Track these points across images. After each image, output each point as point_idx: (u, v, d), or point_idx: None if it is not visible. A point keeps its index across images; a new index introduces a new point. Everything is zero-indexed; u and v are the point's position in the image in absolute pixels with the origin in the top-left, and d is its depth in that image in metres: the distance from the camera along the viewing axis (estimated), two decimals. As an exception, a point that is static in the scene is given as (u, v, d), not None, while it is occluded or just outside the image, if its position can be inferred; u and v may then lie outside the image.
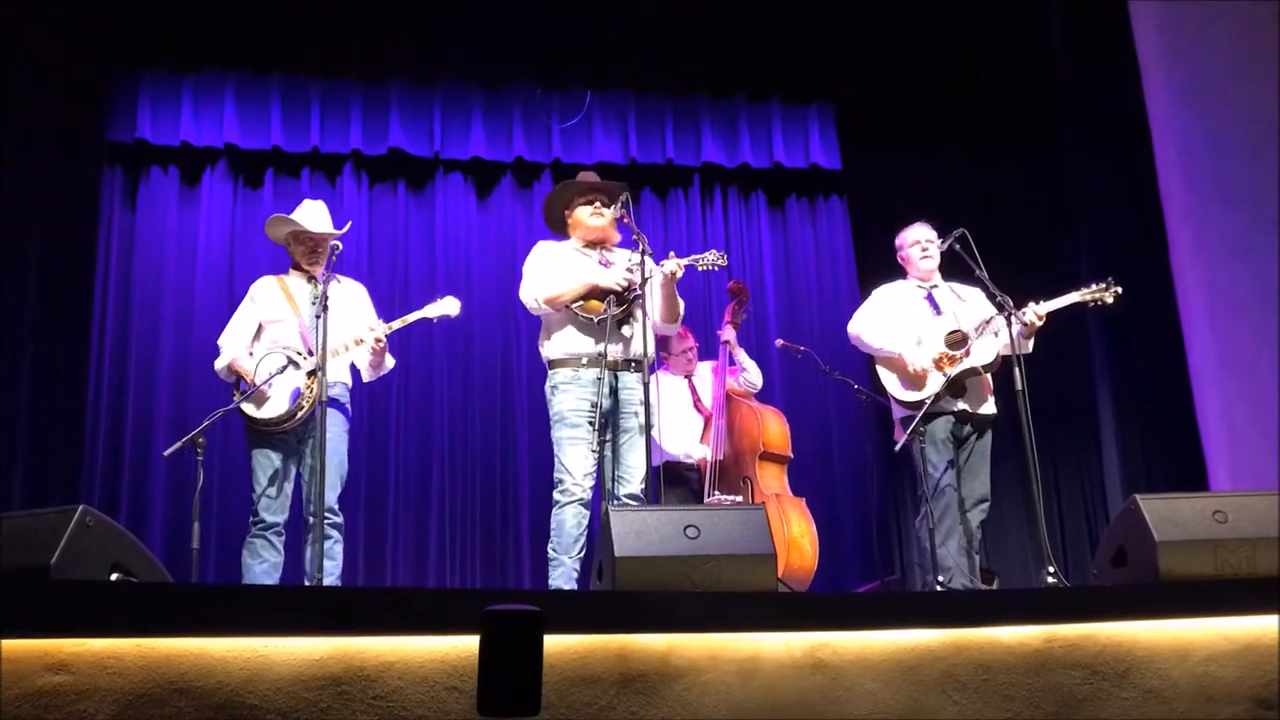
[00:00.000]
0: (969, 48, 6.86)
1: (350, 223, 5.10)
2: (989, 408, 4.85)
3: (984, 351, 4.72)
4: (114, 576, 3.14)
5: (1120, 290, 4.60)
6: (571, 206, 4.75)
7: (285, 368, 4.51)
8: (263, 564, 4.48)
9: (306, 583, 4.36)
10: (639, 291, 4.36)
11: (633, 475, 4.40)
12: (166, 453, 4.55)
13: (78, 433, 5.99)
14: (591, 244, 4.68)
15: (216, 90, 6.63)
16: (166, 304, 6.46)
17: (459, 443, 6.58)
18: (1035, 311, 4.61)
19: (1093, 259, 6.56)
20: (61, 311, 6.03)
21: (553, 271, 4.57)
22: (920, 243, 5.02)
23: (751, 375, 5.80)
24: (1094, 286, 4.62)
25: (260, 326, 4.74)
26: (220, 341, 4.80)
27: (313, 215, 4.83)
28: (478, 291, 6.69)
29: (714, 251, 4.59)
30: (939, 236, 4.93)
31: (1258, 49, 5.75)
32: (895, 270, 5.17)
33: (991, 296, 4.63)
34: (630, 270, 4.43)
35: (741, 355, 5.81)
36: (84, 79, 6.21)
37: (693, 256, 4.57)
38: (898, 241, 5.14)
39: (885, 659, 3.11)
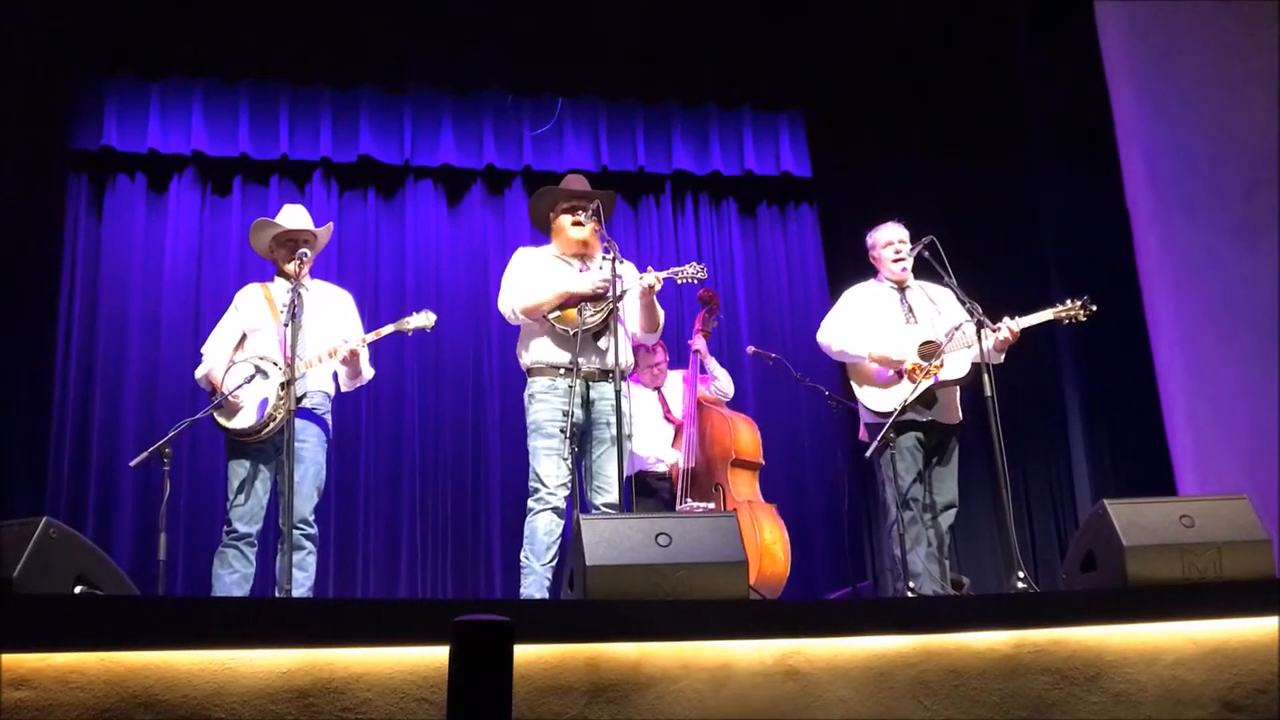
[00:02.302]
0: (939, 57, 6.90)
1: (332, 223, 5.08)
2: (957, 415, 4.87)
3: (958, 365, 4.71)
4: (78, 589, 3.10)
5: (1095, 309, 4.62)
6: (555, 212, 4.73)
7: (252, 377, 4.48)
8: (233, 574, 4.44)
9: (276, 593, 4.32)
10: (614, 303, 4.35)
11: (610, 485, 4.40)
12: (133, 463, 4.52)
13: (42, 443, 5.92)
14: (571, 254, 4.67)
15: (184, 97, 6.58)
16: (133, 313, 6.40)
17: (430, 451, 6.55)
18: (1010, 327, 4.62)
19: (1061, 266, 6.62)
20: (26, 321, 5.95)
21: (531, 281, 4.56)
22: (893, 244, 4.99)
23: (723, 384, 5.81)
24: (1069, 304, 4.63)
25: (244, 335, 4.71)
26: (204, 350, 4.79)
27: (292, 216, 4.82)
28: (448, 299, 6.67)
29: (693, 264, 4.57)
30: (910, 240, 4.93)
31: (1223, 58, 5.82)
32: (868, 270, 5.15)
33: (961, 303, 4.64)
34: (606, 277, 4.41)
35: (712, 364, 5.82)
36: (49, 85, 6.14)
37: (672, 270, 4.56)
38: (869, 241, 5.11)
39: (856, 665, 3.12)
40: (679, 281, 4.56)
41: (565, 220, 4.67)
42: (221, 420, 4.52)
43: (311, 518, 4.54)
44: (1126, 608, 3.37)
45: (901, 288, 5.01)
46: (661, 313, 4.69)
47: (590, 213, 4.58)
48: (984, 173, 6.93)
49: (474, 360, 6.74)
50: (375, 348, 4.75)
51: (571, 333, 4.38)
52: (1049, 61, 6.81)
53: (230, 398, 4.46)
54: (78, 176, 6.47)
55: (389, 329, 4.71)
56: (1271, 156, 5.49)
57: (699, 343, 5.78)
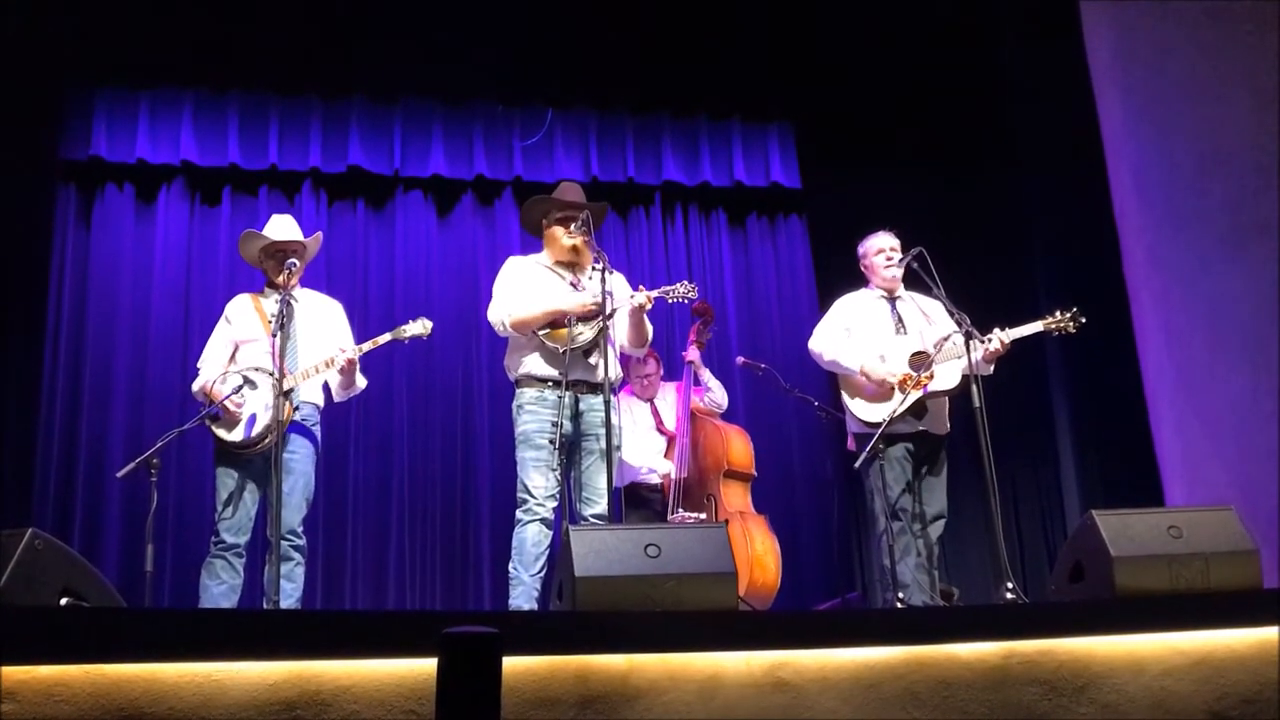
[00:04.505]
0: (927, 69, 6.93)
1: (320, 232, 5.08)
2: (945, 426, 4.88)
3: (948, 375, 4.73)
4: (64, 601, 3.08)
5: (1084, 320, 4.66)
6: (549, 220, 4.74)
7: (240, 388, 4.47)
8: (221, 585, 4.43)
9: (264, 605, 4.30)
10: (605, 321, 4.35)
11: (599, 498, 4.41)
12: (120, 474, 4.49)
13: (29, 453, 5.89)
14: (563, 263, 4.67)
15: (173, 107, 6.57)
16: (121, 324, 6.37)
17: (419, 463, 6.53)
18: (1000, 338, 4.64)
19: (1049, 277, 6.64)
20: (13, 331, 5.94)
21: (522, 293, 4.56)
22: (885, 251, 5.01)
23: (717, 395, 5.82)
24: (1058, 315, 4.68)
25: (236, 346, 4.70)
26: (199, 364, 4.77)
27: (280, 227, 4.81)
28: (438, 310, 6.63)
29: (684, 284, 4.59)
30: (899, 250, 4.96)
31: (1211, 69, 5.84)
32: (859, 280, 5.17)
33: (950, 314, 4.65)
34: (598, 296, 4.40)
35: (707, 375, 5.83)
36: (37, 95, 6.13)
37: (662, 289, 4.57)
38: (860, 250, 5.13)
39: (845, 677, 3.11)
40: (670, 300, 4.58)
41: (558, 230, 4.68)
42: (221, 433, 4.50)
43: (300, 529, 4.53)
44: (1115, 618, 3.37)
45: (892, 297, 5.03)
46: (650, 328, 4.71)
47: (580, 223, 4.58)
48: (972, 184, 6.95)
49: (463, 371, 6.73)
50: (364, 358, 4.74)
51: (561, 350, 4.39)
52: (1036, 73, 6.83)
53: (232, 408, 4.44)
54: (66, 186, 6.45)
55: (386, 338, 4.70)
56: (1259, 167, 5.52)
57: (692, 354, 5.79)
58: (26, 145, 6.11)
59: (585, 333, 4.42)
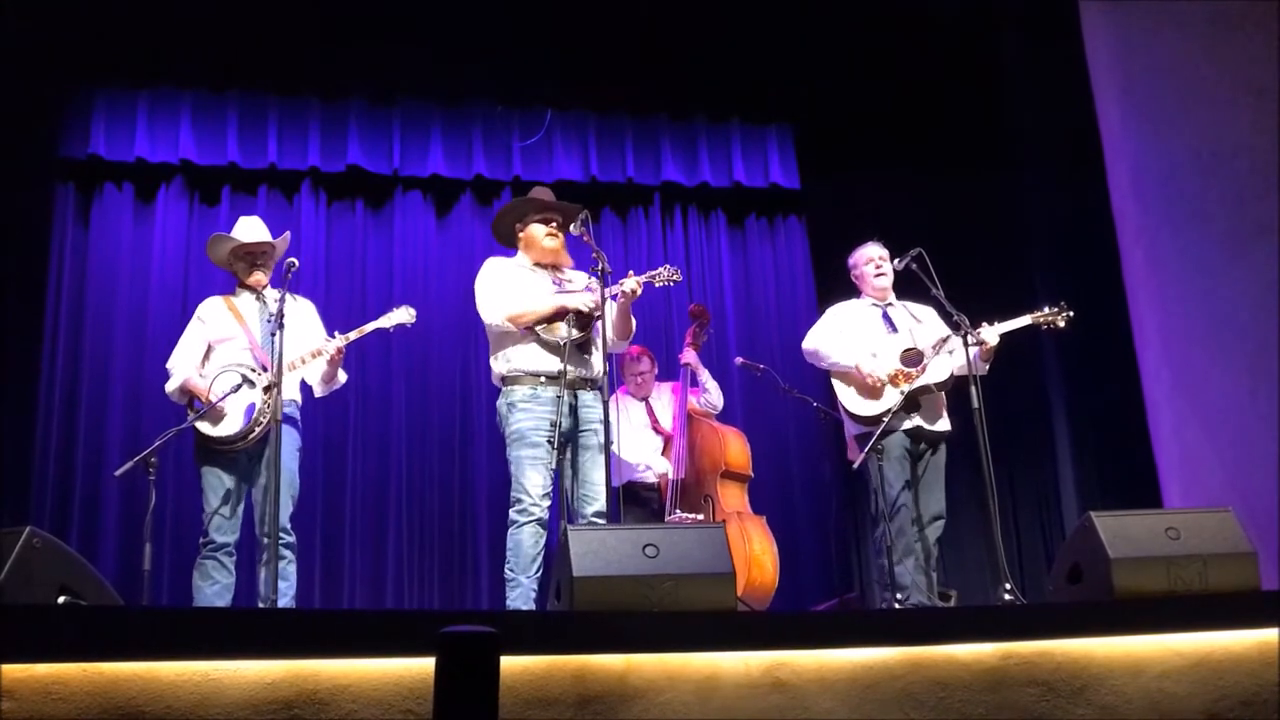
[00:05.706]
0: (926, 70, 6.94)
1: (289, 232, 5.08)
2: (943, 424, 4.89)
3: (938, 369, 4.76)
4: (61, 600, 3.08)
5: (1072, 314, 4.69)
6: (525, 223, 4.72)
7: (239, 386, 4.47)
8: (214, 586, 4.42)
9: (260, 604, 4.30)
10: (600, 313, 4.36)
11: (597, 494, 4.38)
12: (118, 473, 4.48)
13: (27, 452, 5.90)
14: (541, 264, 4.67)
15: (172, 106, 6.57)
16: (120, 323, 6.37)
17: (416, 462, 6.53)
18: (990, 333, 4.65)
19: (1048, 279, 6.64)
20: (11, 330, 5.94)
21: (513, 289, 4.55)
22: (874, 260, 5.07)
23: (713, 396, 5.82)
24: (1046, 310, 4.72)
25: (209, 347, 4.70)
26: (169, 365, 4.74)
27: (248, 229, 4.83)
28: (436, 310, 6.65)
29: (667, 267, 4.59)
30: (895, 256, 4.97)
31: (1210, 70, 5.85)
32: (853, 289, 5.22)
33: (948, 316, 4.67)
34: (592, 290, 4.42)
35: (705, 376, 5.83)
36: (36, 94, 6.13)
37: (648, 274, 4.56)
38: (850, 261, 5.19)
39: (843, 678, 3.11)
40: (656, 284, 4.57)
41: (538, 230, 4.66)
42: (206, 428, 4.49)
43: (289, 525, 4.53)
44: (1112, 620, 3.37)
45: (884, 304, 5.06)
46: (633, 320, 4.69)
47: (579, 221, 4.57)
48: (971, 185, 6.96)
49: (461, 371, 6.72)
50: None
51: (560, 342, 4.38)
52: (1036, 74, 6.84)
53: (218, 405, 4.45)
54: (65, 185, 6.46)
55: (369, 327, 4.73)
56: (1259, 167, 5.51)
57: (689, 356, 5.80)
58: (25, 144, 6.11)
59: (577, 333, 4.42)
